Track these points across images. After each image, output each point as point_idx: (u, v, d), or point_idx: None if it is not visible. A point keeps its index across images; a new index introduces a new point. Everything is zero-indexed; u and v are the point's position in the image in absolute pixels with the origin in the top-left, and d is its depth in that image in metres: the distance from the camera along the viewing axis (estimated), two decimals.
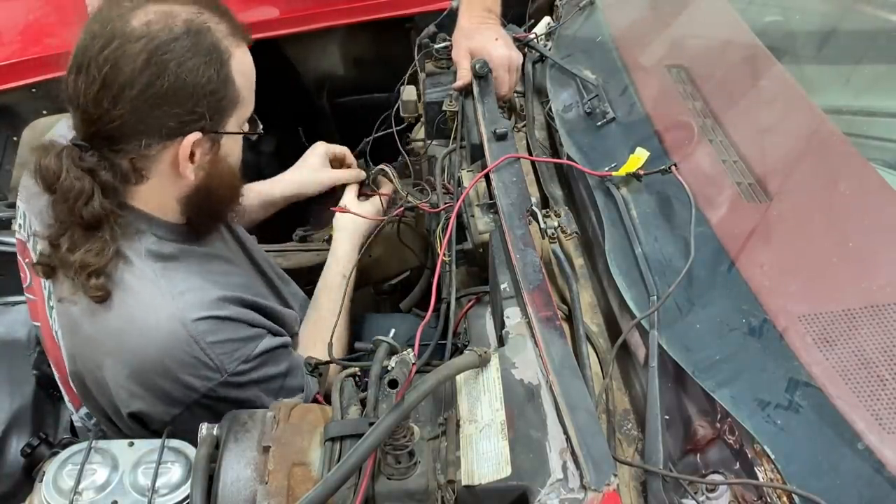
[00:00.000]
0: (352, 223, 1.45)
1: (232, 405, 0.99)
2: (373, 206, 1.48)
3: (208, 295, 1.03)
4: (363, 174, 1.52)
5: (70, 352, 1.08)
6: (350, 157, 1.57)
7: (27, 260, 1.19)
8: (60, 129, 1.18)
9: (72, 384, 1.14)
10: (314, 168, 1.53)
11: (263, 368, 1.07)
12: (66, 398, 1.24)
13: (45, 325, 1.18)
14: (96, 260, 0.98)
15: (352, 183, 1.51)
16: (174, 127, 0.97)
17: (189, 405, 1.02)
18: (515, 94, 1.51)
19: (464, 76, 1.37)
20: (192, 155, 1.00)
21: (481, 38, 1.38)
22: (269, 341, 1.09)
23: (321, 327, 1.29)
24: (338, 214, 1.46)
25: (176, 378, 1.00)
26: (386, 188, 1.51)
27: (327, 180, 1.52)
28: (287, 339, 1.16)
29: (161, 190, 1.04)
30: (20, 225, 1.18)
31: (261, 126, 1.13)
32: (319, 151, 1.54)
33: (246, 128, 1.08)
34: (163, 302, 0.99)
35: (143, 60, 0.93)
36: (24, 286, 1.25)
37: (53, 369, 1.23)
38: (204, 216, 1.11)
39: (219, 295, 1.04)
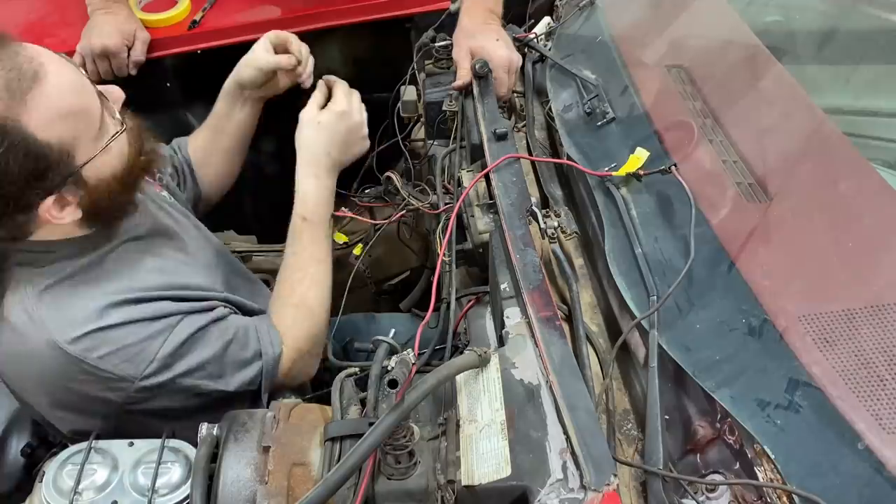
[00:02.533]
0: (312, 139, 1.27)
1: (168, 401, 1.01)
2: (336, 110, 1.28)
3: (88, 308, 0.98)
4: (293, 60, 1.39)
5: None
6: (294, 42, 1.40)
7: None
8: None
9: None
10: (253, 51, 1.39)
11: (185, 359, 1.02)
12: None
13: None
14: None
15: (287, 69, 1.37)
16: (22, 207, 0.91)
17: (117, 415, 1.00)
18: (515, 94, 1.51)
19: (464, 76, 1.37)
20: (62, 204, 0.94)
21: (483, 38, 1.38)
22: (185, 326, 1.03)
23: (284, 287, 1.21)
24: (299, 126, 1.29)
25: (87, 396, 0.98)
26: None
27: (264, 63, 1.36)
28: (217, 310, 1.09)
29: (51, 229, 0.99)
30: None
31: (123, 118, 1.00)
32: (260, 41, 1.39)
33: (108, 129, 0.97)
34: (36, 332, 0.96)
35: None
36: None
37: None
38: (108, 219, 1.04)
39: (105, 302, 0.99)
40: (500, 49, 1.36)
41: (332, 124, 1.28)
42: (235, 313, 1.15)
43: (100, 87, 0.98)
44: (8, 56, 0.86)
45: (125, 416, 1.01)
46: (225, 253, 1.35)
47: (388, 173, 1.48)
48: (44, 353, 0.96)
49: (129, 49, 1.64)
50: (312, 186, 1.26)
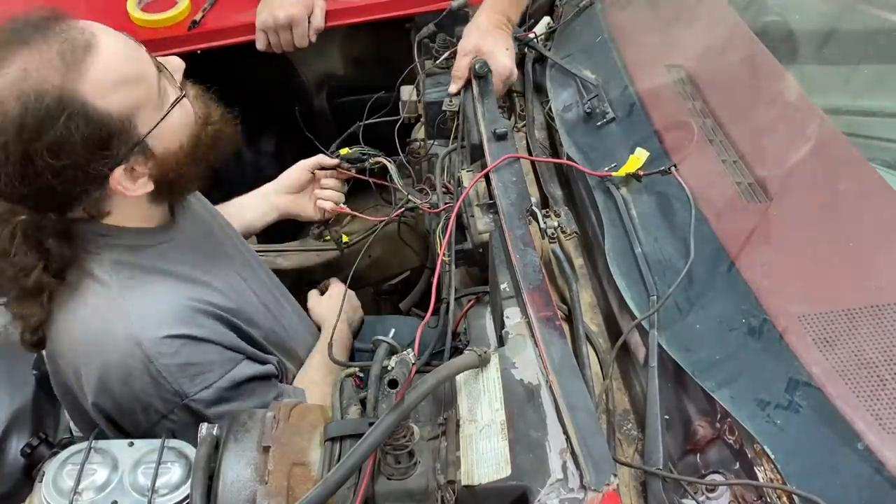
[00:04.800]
0: (329, 314, 1.39)
1: (191, 433, 0.95)
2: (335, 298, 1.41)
3: (176, 308, 1.00)
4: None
5: (48, 358, 1.08)
6: (325, 161, 1.52)
7: None
8: None
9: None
10: (290, 180, 1.53)
11: (228, 402, 1.03)
12: None
13: None
14: (26, 324, 1.00)
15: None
16: (92, 179, 0.92)
17: (156, 424, 1.00)
18: (515, 94, 1.51)
19: (460, 71, 1.38)
20: (133, 176, 0.95)
21: (494, 41, 1.39)
22: (244, 368, 1.05)
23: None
24: (312, 312, 1.44)
25: (136, 397, 0.98)
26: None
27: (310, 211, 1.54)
28: (269, 367, 1.12)
29: (125, 208, 1.01)
30: None
31: (182, 89, 1.00)
32: (300, 166, 1.52)
33: (170, 97, 0.97)
34: (120, 323, 0.97)
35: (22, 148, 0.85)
36: None
37: None
38: (179, 191, 1.06)
39: (190, 306, 1.01)
40: (505, 59, 1.38)
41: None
42: (278, 376, 1.16)
43: (158, 58, 1.00)
44: (60, 29, 0.88)
45: (152, 430, 1.01)
46: (269, 275, 1.37)
47: (380, 158, 1.48)
48: (118, 342, 0.96)
49: (310, 17, 1.66)
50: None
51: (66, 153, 0.87)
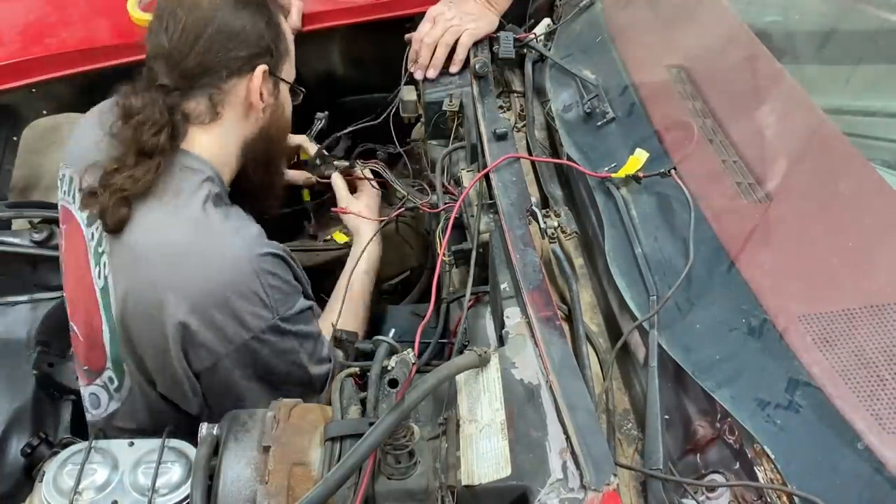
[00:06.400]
0: (363, 221, 1.47)
1: (273, 355, 1.11)
2: (368, 197, 1.50)
3: (263, 234, 1.13)
4: (309, 176, 1.55)
5: (124, 294, 1.09)
6: (305, 144, 1.56)
7: (65, 226, 1.23)
8: (89, 121, 1.25)
9: (108, 338, 1.14)
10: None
11: (302, 324, 1.14)
12: (82, 366, 1.21)
13: (82, 280, 1.16)
14: (132, 186, 1.06)
15: (308, 181, 1.55)
16: (245, 58, 1.13)
17: (238, 346, 1.06)
18: (515, 94, 1.51)
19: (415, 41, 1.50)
20: (263, 88, 1.15)
21: (456, 6, 1.49)
22: (304, 301, 1.16)
23: (346, 314, 1.30)
24: (349, 217, 1.47)
25: (233, 313, 1.05)
26: (367, 172, 1.53)
27: None
28: (313, 304, 1.20)
29: (230, 131, 1.17)
30: (64, 191, 1.23)
31: (303, 91, 1.28)
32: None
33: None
34: (229, 238, 1.08)
35: (213, 11, 1.10)
36: (61, 251, 1.26)
37: (77, 331, 1.21)
38: (259, 167, 1.23)
39: (271, 241, 1.13)
40: (441, 24, 1.47)
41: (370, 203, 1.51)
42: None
43: None
44: None
45: (234, 353, 1.07)
46: None
47: (371, 163, 1.49)
48: (227, 257, 1.06)
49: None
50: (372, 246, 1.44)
51: (254, 24, 1.13)
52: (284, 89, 1.23)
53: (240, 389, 1.11)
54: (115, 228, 1.07)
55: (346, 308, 1.28)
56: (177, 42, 1.09)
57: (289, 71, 1.23)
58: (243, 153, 1.20)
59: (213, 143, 1.16)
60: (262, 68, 1.14)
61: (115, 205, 1.06)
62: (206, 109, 1.13)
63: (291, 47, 1.23)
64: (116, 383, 1.17)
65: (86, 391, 1.23)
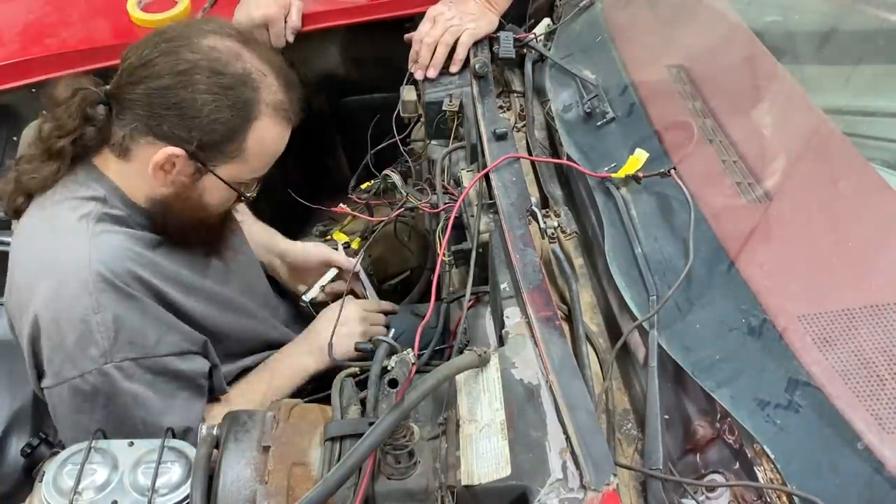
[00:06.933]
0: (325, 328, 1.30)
1: (102, 408, 1.01)
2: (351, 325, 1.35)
3: (133, 255, 1.03)
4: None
5: (7, 290, 1.08)
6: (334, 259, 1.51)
7: None
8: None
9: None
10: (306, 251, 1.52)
11: (154, 382, 1.03)
12: None
13: None
14: (29, 180, 1.05)
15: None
16: (166, 131, 1.01)
17: (61, 383, 1.00)
18: (515, 94, 1.51)
19: (415, 41, 1.48)
20: (171, 165, 1.03)
21: (457, 5, 1.47)
22: (173, 361, 1.05)
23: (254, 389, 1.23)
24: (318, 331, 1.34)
25: (62, 342, 0.98)
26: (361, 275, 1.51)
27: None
28: (202, 369, 1.11)
29: (135, 178, 1.06)
30: None
31: (254, 193, 1.14)
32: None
33: (238, 186, 1.09)
34: (83, 256, 0.99)
35: (185, 68, 0.99)
36: None
37: None
38: (167, 229, 1.10)
39: (146, 262, 1.05)
40: (441, 24, 1.46)
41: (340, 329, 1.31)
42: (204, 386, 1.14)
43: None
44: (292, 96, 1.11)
45: (58, 395, 1.01)
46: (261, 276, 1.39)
47: (386, 171, 1.48)
48: (68, 273, 0.99)
49: (286, 17, 1.67)
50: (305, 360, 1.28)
51: (204, 108, 0.99)
52: (214, 180, 1.06)
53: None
54: (12, 216, 1.08)
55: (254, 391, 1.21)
56: (134, 68, 1.02)
57: (236, 171, 1.06)
58: (151, 206, 1.08)
59: (125, 176, 1.07)
60: (170, 152, 1.01)
61: (14, 192, 1.06)
62: (118, 143, 1.04)
63: (258, 154, 1.07)
64: None
65: None
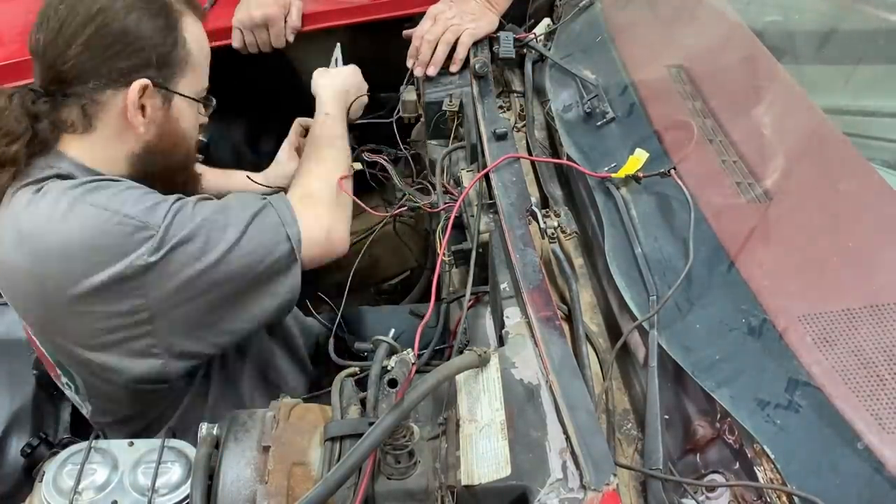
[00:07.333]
0: (328, 82, 1.42)
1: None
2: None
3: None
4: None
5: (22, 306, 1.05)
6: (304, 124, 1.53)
7: None
8: None
9: (38, 341, 1.11)
10: (279, 162, 1.50)
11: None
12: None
13: None
14: None
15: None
16: (123, 70, 1.01)
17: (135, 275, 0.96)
18: (515, 94, 1.51)
19: (415, 37, 1.49)
20: (142, 108, 1.03)
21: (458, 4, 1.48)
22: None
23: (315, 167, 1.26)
24: (314, 79, 1.44)
25: (105, 261, 0.95)
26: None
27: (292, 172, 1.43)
28: None
29: (109, 143, 1.04)
30: None
31: (214, 102, 1.16)
32: (283, 146, 1.53)
33: (200, 98, 1.11)
34: (64, 200, 0.97)
35: (98, 7, 0.99)
36: None
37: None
38: (154, 181, 1.07)
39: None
40: (443, 23, 1.47)
41: (340, 72, 1.48)
42: None
43: None
44: None
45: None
46: None
47: (378, 158, 1.47)
48: (68, 215, 0.96)
49: (286, 16, 1.67)
50: (332, 105, 1.38)
51: (137, 29, 1.01)
52: (181, 101, 1.08)
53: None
54: None
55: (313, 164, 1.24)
56: (52, 40, 0.99)
57: (192, 82, 1.08)
58: (132, 165, 1.07)
59: (91, 150, 1.05)
60: (140, 83, 1.00)
61: None
62: (77, 119, 1.02)
63: (199, 55, 1.09)
64: (73, 385, 1.14)
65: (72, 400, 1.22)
